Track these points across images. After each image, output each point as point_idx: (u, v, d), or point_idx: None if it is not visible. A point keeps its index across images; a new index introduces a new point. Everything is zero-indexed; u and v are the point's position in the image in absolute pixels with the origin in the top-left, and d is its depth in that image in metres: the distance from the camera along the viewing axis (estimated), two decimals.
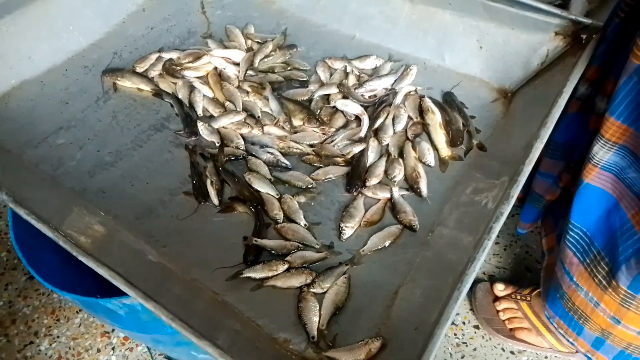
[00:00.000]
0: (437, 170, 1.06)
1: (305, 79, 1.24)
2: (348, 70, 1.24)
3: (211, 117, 1.16)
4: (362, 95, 1.19)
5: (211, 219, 0.98)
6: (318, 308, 0.84)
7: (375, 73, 1.25)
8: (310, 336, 0.81)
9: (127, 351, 1.32)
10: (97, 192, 1.00)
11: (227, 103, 1.19)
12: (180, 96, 1.19)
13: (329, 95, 1.19)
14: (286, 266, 0.89)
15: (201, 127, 1.11)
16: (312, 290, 0.86)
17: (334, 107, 1.16)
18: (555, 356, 1.29)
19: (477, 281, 1.40)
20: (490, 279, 1.45)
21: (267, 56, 1.29)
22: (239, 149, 1.09)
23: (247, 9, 1.42)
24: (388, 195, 1.01)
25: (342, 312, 0.85)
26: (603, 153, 0.86)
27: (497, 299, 1.35)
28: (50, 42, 1.22)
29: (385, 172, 1.05)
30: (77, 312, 1.39)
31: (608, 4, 1.12)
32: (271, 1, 1.43)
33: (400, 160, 1.06)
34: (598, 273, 0.94)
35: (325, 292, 0.86)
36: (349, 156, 1.08)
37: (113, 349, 1.33)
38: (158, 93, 1.21)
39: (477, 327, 1.36)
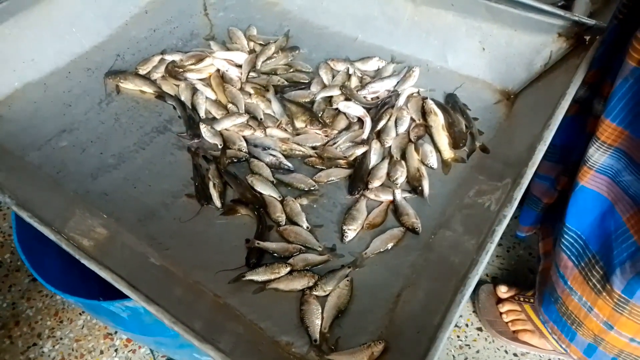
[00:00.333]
0: (439, 172, 1.06)
1: (307, 81, 1.24)
2: (350, 72, 1.24)
3: (214, 119, 1.16)
4: (364, 97, 1.18)
5: (213, 222, 0.98)
6: (320, 311, 0.84)
7: (377, 75, 1.25)
8: (312, 339, 0.81)
9: (130, 353, 1.32)
10: (99, 194, 1.00)
11: (229, 105, 1.19)
12: (182, 98, 1.19)
13: (331, 97, 1.19)
14: (288, 269, 0.89)
15: (204, 129, 1.11)
16: (314, 293, 0.86)
17: (337, 109, 1.16)
18: (559, 358, 1.29)
19: (480, 283, 1.39)
20: (493, 281, 1.44)
21: (269, 58, 1.29)
22: (241, 151, 1.09)
23: (249, 10, 1.43)
24: (390, 198, 1.00)
25: (345, 315, 0.85)
26: (598, 155, 0.86)
27: (500, 301, 1.34)
28: (53, 44, 1.22)
29: (388, 174, 1.05)
30: (80, 314, 1.39)
31: (611, 5, 1.12)
32: (274, 3, 1.43)
33: (403, 162, 1.06)
34: (592, 277, 0.94)
35: (327, 295, 0.86)
36: (352, 158, 1.07)
37: (116, 350, 1.33)
38: (161, 95, 1.21)
39: (480, 329, 1.35)
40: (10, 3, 1.11)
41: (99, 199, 1.00)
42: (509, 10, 1.09)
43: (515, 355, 1.31)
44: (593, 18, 1.02)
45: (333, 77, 1.25)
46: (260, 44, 1.33)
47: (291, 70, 1.28)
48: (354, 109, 1.14)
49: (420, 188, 1.01)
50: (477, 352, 1.32)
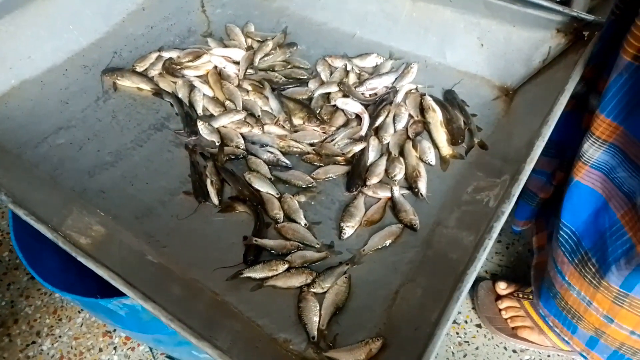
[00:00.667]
0: (438, 168, 1.05)
1: (305, 78, 1.24)
2: (348, 68, 1.24)
3: (211, 116, 1.16)
4: (362, 93, 1.18)
5: (211, 219, 0.98)
6: (318, 308, 0.84)
7: (375, 71, 1.24)
8: (310, 336, 0.81)
9: (129, 351, 1.32)
10: (97, 192, 1.00)
11: (227, 102, 1.18)
12: (180, 95, 1.19)
13: (329, 93, 1.19)
14: (286, 266, 0.89)
15: (201, 126, 1.11)
16: (312, 290, 0.86)
17: (335, 105, 1.16)
18: (558, 355, 1.29)
19: (479, 280, 1.39)
20: (492, 277, 1.44)
21: (267, 54, 1.28)
22: (239, 148, 1.09)
23: (247, 7, 1.42)
24: (388, 195, 1.00)
25: (343, 312, 0.85)
26: (593, 151, 0.85)
27: (499, 297, 1.34)
28: (50, 41, 1.21)
29: (386, 171, 1.04)
30: (79, 312, 1.39)
31: (610, 1, 1.12)
32: None
33: (401, 159, 1.06)
34: (587, 273, 0.94)
35: (325, 292, 0.86)
36: (350, 155, 1.07)
37: (115, 348, 1.33)
38: (158, 92, 1.20)
39: (479, 325, 1.35)
40: (7, 0, 1.10)
41: (96, 196, 0.99)
42: (507, 6, 1.08)
43: (514, 351, 1.31)
44: (592, 14, 1.01)
45: (331, 73, 1.24)
46: (258, 41, 1.32)
47: (289, 66, 1.27)
48: (352, 106, 1.14)
49: (417, 189, 1.00)
50: (477, 348, 1.32)
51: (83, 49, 1.27)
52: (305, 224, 0.96)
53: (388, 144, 1.10)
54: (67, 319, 1.39)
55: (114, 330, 1.36)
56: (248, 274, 0.88)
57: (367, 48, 1.29)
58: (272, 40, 1.30)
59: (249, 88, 1.20)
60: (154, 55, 1.27)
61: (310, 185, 1.02)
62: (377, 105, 1.15)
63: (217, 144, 1.09)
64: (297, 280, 0.88)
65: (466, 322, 1.36)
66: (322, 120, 1.14)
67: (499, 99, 1.16)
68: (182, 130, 1.12)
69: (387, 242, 0.93)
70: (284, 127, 1.13)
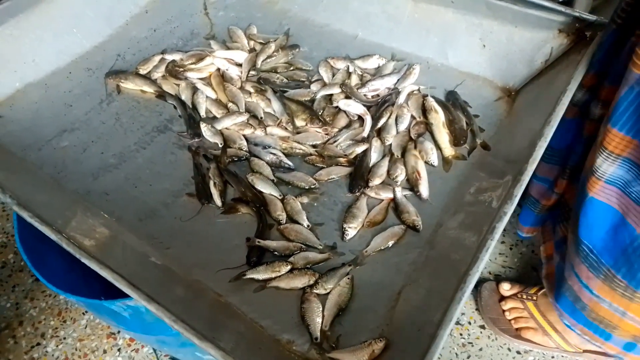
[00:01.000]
0: (440, 169, 1.05)
1: (306, 81, 1.24)
2: (351, 70, 1.24)
3: (214, 118, 1.16)
4: (364, 95, 1.18)
5: (214, 221, 0.98)
6: (321, 309, 0.84)
7: (377, 72, 1.25)
8: (313, 337, 0.81)
9: (133, 352, 1.33)
10: (100, 194, 1.01)
11: (229, 104, 1.19)
12: (183, 98, 1.20)
13: (331, 95, 1.19)
14: (289, 267, 0.89)
15: (204, 128, 1.11)
16: (315, 291, 0.86)
17: (337, 107, 1.16)
18: (562, 356, 1.28)
19: (482, 281, 1.39)
20: (496, 278, 1.44)
21: (269, 56, 1.29)
22: (241, 150, 1.09)
23: (249, 9, 1.43)
24: (391, 196, 1.00)
25: (345, 313, 0.85)
26: (607, 166, 0.83)
27: (503, 298, 1.34)
28: (54, 45, 1.22)
29: (388, 172, 1.04)
30: (83, 314, 1.40)
31: (613, 1, 1.12)
32: (274, 2, 1.43)
33: (404, 160, 1.06)
34: (617, 287, 0.91)
35: (328, 293, 0.86)
36: (352, 156, 1.07)
37: (119, 350, 1.33)
38: (161, 95, 1.21)
39: (483, 327, 1.35)
40: (11, 4, 1.12)
41: (100, 198, 1.00)
42: (509, 7, 1.09)
43: (518, 352, 1.31)
44: (594, 14, 1.01)
45: (333, 75, 1.24)
46: (261, 43, 1.33)
47: (291, 68, 1.28)
48: (355, 107, 1.14)
49: (418, 192, 1.00)
50: (480, 349, 1.31)
51: (87, 52, 1.28)
52: (308, 225, 0.96)
53: (390, 145, 1.10)
54: (72, 320, 1.39)
55: (118, 332, 1.36)
56: (251, 275, 0.88)
57: (369, 49, 1.29)
58: (275, 42, 1.31)
59: (252, 90, 1.20)
60: (157, 58, 1.28)
61: (312, 187, 1.02)
62: (379, 106, 1.15)
63: (220, 145, 1.09)
64: (300, 282, 0.88)
65: (470, 323, 1.36)
66: (325, 122, 1.14)
67: (502, 99, 1.16)
68: (185, 132, 1.13)
69: (390, 243, 0.93)
70: (286, 128, 1.13)
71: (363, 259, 0.91)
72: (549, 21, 1.06)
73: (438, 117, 1.11)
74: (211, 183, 1.02)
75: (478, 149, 1.07)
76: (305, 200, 1.01)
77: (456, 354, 1.31)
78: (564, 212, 1.06)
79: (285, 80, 1.24)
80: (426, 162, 1.05)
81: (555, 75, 1.05)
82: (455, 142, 1.08)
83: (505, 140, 1.05)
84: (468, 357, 1.30)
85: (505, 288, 1.34)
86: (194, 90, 1.21)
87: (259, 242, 0.93)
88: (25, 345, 1.35)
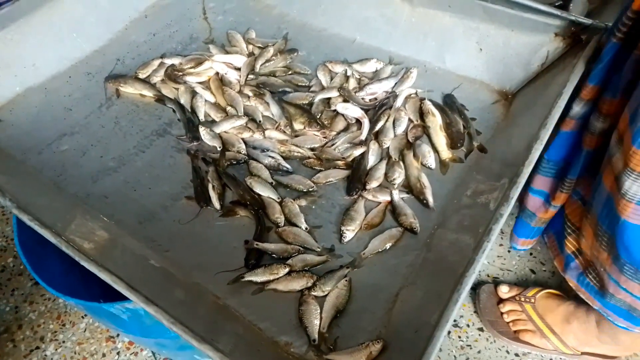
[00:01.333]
0: (437, 172, 1.06)
1: (305, 84, 1.25)
2: (349, 73, 1.25)
3: (213, 122, 1.17)
4: (362, 98, 1.19)
5: (213, 223, 0.98)
6: (319, 311, 0.84)
7: (375, 76, 1.26)
8: (311, 339, 0.82)
9: (132, 355, 1.33)
10: (100, 197, 1.01)
11: (228, 108, 1.20)
12: (182, 101, 1.20)
13: (329, 98, 1.20)
14: (287, 269, 0.90)
15: (203, 132, 1.12)
16: (313, 293, 0.87)
17: (335, 110, 1.17)
18: (560, 358, 1.28)
19: (481, 283, 1.39)
20: (494, 281, 1.44)
21: (268, 60, 1.30)
22: (240, 153, 1.10)
23: (248, 14, 1.44)
24: (388, 198, 1.01)
25: (343, 315, 0.86)
26: (636, 188, 0.81)
27: (501, 301, 1.34)
28: (54, 49, 1.23)
29: (386, 175, 1.05)
30: (82, 317, 1.40)
31: (609, 5, 1.13)
32: (272, 6, 1.44)
33: (401, 163, 1.07)
34: None
35: (326, 295, 0.87)
36: (350, 159, 1.08)
37: (118, 353, 1.33)
38: (160, 99, 1.22)
39: (481, 329, 1.35)
40: (12, 9, 1.12)
41: (99, 201, 1.01)
42: (505, 11, 1.10)
43: (516, 355, 1.31)
44: (590, 17, 1.02)
45: (331, 78, 1.25)
46: (259, 47, 1.34)
47: (290, 72, 1.29)
48: (352, 111, 1.15)
49: (425, 201, 1.00)
50: (479, 352, 1.32)
51: (86, 57, 1.29)
52: (306, 228, 0.97)
53: (388, 148, 1.10)
54: (71, 324, 1.39)
55: (117, 335, 1.36)
56: (249, 277, 0.89)
57: (367, 53, 1.30)
58: (273, 46, 1.32)
59: (250, 94, 1.21)
60: (157, 62, 1.28)
61: (311, 190, 1.03)
62: (377, 109, 1.16)
63: (219, 149, 1.10)
64: (298, 284, 0.88)
65: (468, 325, 1.36)
66: (323, 125, 1.15)
67: (498, 102, 1.17)
68: (184, 135, 1.13)
69: (388, 246, 0.93)
70: (284, 132, 1.14)
71: (361, 262, 0.92)
72: (545, 25, 1.07)
73: (435, 120, 1.12)
74: (210, 186, 1.02)
75: (475, 152, 1.08)
76: (303, 203, 1.01)
77: (454, 356, 1.31)
78: (568, 227, 1.05)
79: (283, 84, 1.25)
80: (423, 165, 1.06)
81: (552, 78, 1.06)
82: (453, 145, 1.09)
83: (501, 143, 1.06)
84: (466, 359, 1.31)
85: (504, 291, 1.34)
86: (193, 94, 1.22)
87: (257, 244, 0.93)
88: (24, 349, 1.35)
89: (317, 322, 0.83)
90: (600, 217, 0.90)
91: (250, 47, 1.35)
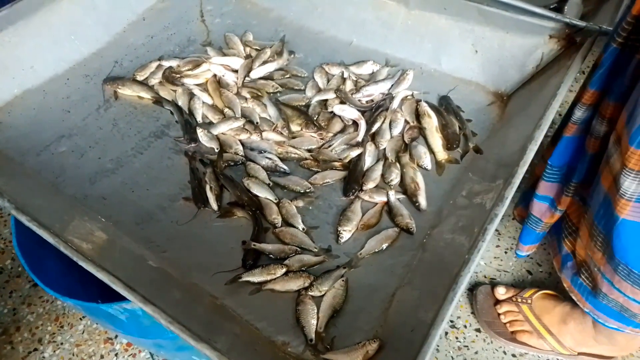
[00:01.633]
0: (433, 173, 1.07)
1: (302, 88, 1.26)
2: (345, 75, 1.26)
3: (210, 123, 1.17)
4: (359, 100, 1.20)
5: (210, 224, 0.99)
6: (316, 311, 0.85)
7: (372, 78, 1.26)
8: (308, 339, 0.82)
9: (130, 357, 1.33)
10: (98, 198, 1.02)
11: (226, 110, 1.20)
12: (180, 103, 1.21)
13: (326, 100, 1.21)
14: (284, 270, 0.90)
15: (200, 133, 1.12)
16: (310, 293, 0.87)
17: (332, 112, 1.18)
18: (557, 359, 1.29)
19: (478, 284, 1.40)
20: (491, 282, 1.45)
21: (265, 62, 1.30)
22: (237, 154, 1.10)
23: (245, 16, 1.44)
24: (384, 199, 1.01)
25: (340, 314, 0.86)
26: (636, 186, 0.82)
27: (498, 302, 1.34)
28: (52, 51, 1.24)
29: (382, 175, 1.06)
30: (80, 319, 1.40)
31: (603, 8, 1.14)
32: (269, 9, 1.45)
33: (397, 164, 1.07)
34: None
35: (323, 295, 0.87)
36: (347, 160, 1.09)
37: (116, 355, 1.34)
38: (158, 101, 1.22)
39: (478, 330, 1.35)
40: (10, 11, 1.13)
41: (98, 203, 1.01)
42: (501, 13, 1.11)
43: (513, 355, 1.31)
44: (584, 20, 1.04)
45: (328, 80, 1.26)
46: (257, 49, 1.34)
47: (287, 75, 1.29)
48: (349, 112, 1.15)
49: (417, 203, 1.01)
50: (476, 353, 1.32)
51: (84, 59, 1.29)
52: (303, 229, 0.97)
53: (385, 149, 1.11)
54: (69, 326, 1.39)
55: (116, 337, 1.36)
56: (247, 278, 0.89)
57: (364, 55, 1.31)
58: (270, 48, 1.32)
59: (248, 95, 1.22)
60: (154, 65, 1.29)
61: (308, 191, 1.04)
62: (373, 111, 1.17)
63: (217, 150, 1.10)
64: (295, 284, 0.89)
65: (465, 326, 1.37)
66: (320, 127, 1.16)
67: (494, 104, 1.18)
68: (182, 137, 1.14)
69: (384, 246, 0.94)
70: (282, 133, 1.14)
71: (357, 262, 0.92)
72: (540, 27, 1.08)
73: (431, 122, 1.12)
74: (207, 187, 1.03)
75: (470, 153, 1.09)
76: (300, 203, 1.02)
77: (452, 357, 1.32)
78: (568, 227, 1.05)
79: (279, 87, 1.25)
80: (419, 166, 1.07)
81: (546, 80, 1.07)
82: (448, 146, 1.09)
83: (497, 144, 1.06)
84: None
85: (501, 292, 1.34)
86: (191, 96, 1.23)
87: (254, 245, 0.94)
88: (23, 351, 1.35)
89: (314, 321, 0.84)
90: (597, 217, 0.91)
91: (248, 49, 1.35)
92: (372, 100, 1.21)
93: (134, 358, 1.33)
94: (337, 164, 1.08)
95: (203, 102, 1.21)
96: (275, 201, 1.02)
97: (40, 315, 1.41)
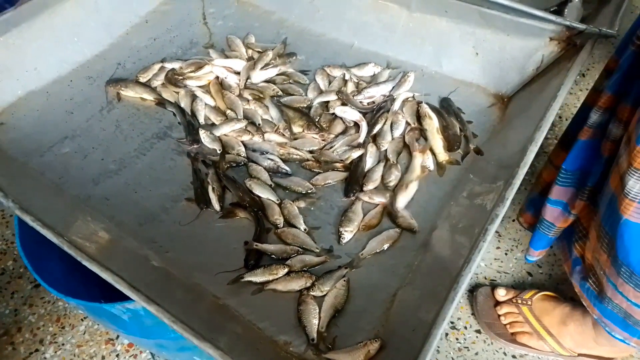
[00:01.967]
0: (435, 174, 1.07)
1: (301, 94, 1.26)
2: (347, 77, 1.26)
3: (213, 125, 1.18)
4: (360, 102, 1.21)
5: (213, 225, 0.99)
6: (318, 311, 0.85)
7: (373, 80, 1.27)
8: (310, 338, 0.82)
9: (131, 358, 1.33)
10: (101, 199, 1.02)
11: (228, 111, 1.21)
12: (182, 105, 1.22)
13: (328, 102, 1.21)
14: (286, 270, 0.91)
15: (203, 135, 1.13)
16: (311, 293, 0.88)
17: (333, 114, 1.18)
18: None
19: (478, 286, 1.40)
20: (491, 283, 1.45)
21: (267, 64, 1.31)
22: (240, 155, 1.11)
23: (247, 19, 1.45)
24: (384, 200, 1.02)
25: (342, 314, 0.87)
26: None
27: (498, 303, 1.35)
28: (56, 53, 1.25)
29: (382, 177, 1.06)
30: (81, 320, 1.40)
31: (603, 11, 1.14)
32: (271, 12, 1.46)
33: (399, 165, 1.08)
34: None
35: (324, 295, 0.88)
36: (348, 161, 1.09)
37: (117, 356, 1.34)
38: (161, 102, 1.23)
39: (478, 331, 1.36)
40: (14, 14, 1.14)
41: (101, 203, 1.02)
42: (501, 16, 1.11)
43: (513, 357, 1.31)
44: (585, 22, 1.04)
45: (329, 82, 1.27)
46: (259, 52, 1.35)
47: (289, 81, 1.30)
48: (350, 114, 1.16)
49: (395, 200, 1.01)
50: (476, 354, 1.32)
51: (87, 61, 1.30)
52: (305, 229, 0.98)
53: (386, 150, 1.12)
54: (70, 327, 1.39)
55: (117, 338, 1.37)
56: (249, 278, 0.89)
57: (365, 58, 1.32)
58: (272, 50, 1.33)
59: (250, 97, 1.23)
60: (157, 66, 1.30)
61: (309, 192, 1.04)
62: (374, 113, 1.17)
63: (219, 151, 1.11)
64: (297, 284, 0.89)
65: (466, 327, 1.37)
66: (321, 128, 1.16)
67: (494, 106, 1.18)
68: (185, 138, 1.15)
69: (385, 246, 0.94)
70: (284, 135, 1.15)
71: (359, 262, 0.93)
72: (540, 30, 1.09)
73: (432, 124, 1.13)
74: (210, 188, 1.03)
75: (471, 154, 1.09)
76: (302, 204, 1.02)
77: (452, 358, 1.32)
78: (579, 231, 1.05)
79: (279, 92, 1.26)
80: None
81: (547, 82, 1.07)
82: (449, 147, 1.10)
83: (497, 145, 1.07)
84: None
85: (501, 293, 1.35)
86: (193, 97, 1.23)
87: (256, 245, 0.94)
88: (24, 351, 1.35)
89: (315, 321, 0.84)
90: (604, 218, 0.91)
91: (250, 51, 1.36)
92: (373, 102, 1.22)
93: (135, 359, 1.33)
94: (338, 165, 1.09)
95: (205, 104, 1.22)
96: (277, 202, 1.02)
97: (42, 316, 1.41)
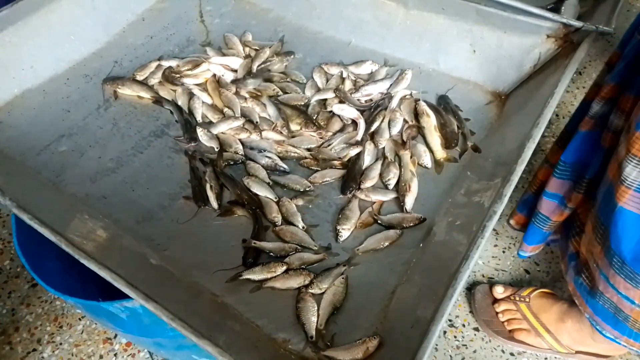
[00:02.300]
0: (432, 171, 1.07)
1: (298, 93, 1.26)
2: (344, 75, 1.26)
3: (210, 123, 1.18)
4: (358, 99, 1.21)
5: (211, 223, 0.99)
6: (316, 308, 0.85)
7: (371, 78, 1.27)
8: (308, 336, 0.83)
9: (129, 357, 1.33)
10: (98, 197, 1.02)
11: (225, 109, 1.21)
12: (179, 103, 1.21)
13: (325, 100, 1.21)
14: (285, 268, 0.91)
15: (200, 133, 1.13)
16: (310, 291, 0.88)
17: (331, 111, 1.18)
18: (555, 357, 1.29)
19: (476, 283, 1.40)
20: (489, 281, 1.45)
21: (264, 62, 1.31)
22: (237, 153, 1.11)
23: (245, 17, 1.45)
24: (380, 198, 1.02)
25: (340, 312, 0.87)
26: (637, 174, 0.81)
27: (496, 301, 1.35)
28: (52, 51, 1.24)
29: (380, 175, 1.06)
30: (79, 319, 1.40)
31: (599, 8, 1.14)
32: (268, 9, 1.46)
33: (396, 163, 1.08)
34: None
35: (323, 293, 0.88)
36: (346, 159, 1.09)
37: (115, 355, 1.34)
38: (158, 100, 1.23)
39: (476, 329, 1.36)
40: (10, 11, 1.13)
41: (98, 201, 1.01)
42: (498, 13, 1.12)
43: (512, 354, 1.32)
44: (581, 20, 1.05)
45: (327, 80, 1.27)
46: (256, 50, 1.35)
47: (287, 79, 1.30)
48: (348, 112, 1.16)
49: (403, 203, 1.01)
50: (474, 351, 1.33)
51: (84, 59, 1.29)
52: (303, 227, 0.98)
53: (384, 148, 1.12)
54: (68, 326, 1.39)
55: (115, 337, 1.36)
56: (247, 275, 0.89)
57: (363, 55, 1.32)
58: (270, 48, 1.33)
59: (247, 95, 1.22)
60: (154, 64, 1.29)
61: (307, 189, 1.04)
62: (372, 110, 1.17)
63: (216, 149, 1.11)
64: (295, 282, 0.89)
65: (464, 325, 1.37)
66: (319, 126, 1.16)
67: (492, 103, 1.19)
68: (182, 136, 1.14)
69: (383, 245, 0.95)
70: (281, 132, 1.15)
71: (355, 257, 0.93)
72: (537, 27, 1.09)
73: (430, 121, 1.13)
74: (207, 186, 1.03)
75: (469, 152, 1.09)
76: (300, 202, 1.02)
77: (450, 356, 1.32)
78: (576, 226, 1.05)
79: (279, 91, 1.25)
80: (419, 165, 1.07)
81: (544, 79, 1.08)
82: (447, 145, 1.10)
83: (495, 142, 1.07)
84: (462, 359, 1.32)
85: (499, 291, 1.35)
86: (190, 95, 1.23)
87: (255, 243, 0.94)
88: (21, 351, 1.35)
89: (314, 319, 0.84)
90: (600, 208, 0.91)
91: (247, 49, 1.36)
92: (371, 100, 1.22)
93: (133, 358, 1.33)
94: (336, 162, 1.09)
95: (203, 102, 1.22)
96: (275, 200, 1.02)
97: (39, 316, 1.41)
